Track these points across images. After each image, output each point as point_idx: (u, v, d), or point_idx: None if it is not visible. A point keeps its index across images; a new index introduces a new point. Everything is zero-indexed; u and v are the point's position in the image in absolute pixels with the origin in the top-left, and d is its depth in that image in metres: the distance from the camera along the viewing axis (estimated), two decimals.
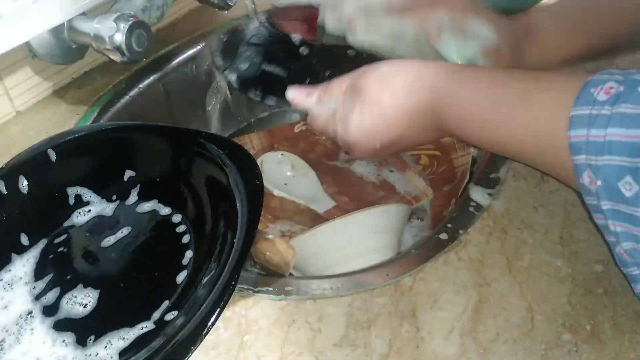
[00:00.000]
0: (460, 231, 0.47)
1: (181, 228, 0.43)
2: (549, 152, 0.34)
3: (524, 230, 0.46)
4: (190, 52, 0.74)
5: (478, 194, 0.50)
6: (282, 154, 0.71)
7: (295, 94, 0.47)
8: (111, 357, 0.35)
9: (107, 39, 0.59)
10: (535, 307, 0.41)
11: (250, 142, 0.76)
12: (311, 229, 0.52)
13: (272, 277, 0.46)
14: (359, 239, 0.53)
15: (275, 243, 0.41)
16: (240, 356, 0.39)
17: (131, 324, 0.37)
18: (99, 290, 0.39)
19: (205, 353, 0.39)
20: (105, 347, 0.35)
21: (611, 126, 0.29)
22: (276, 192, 0.63)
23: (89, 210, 0.45)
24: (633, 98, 0.29)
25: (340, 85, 0.44)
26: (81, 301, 0.38)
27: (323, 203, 0.67)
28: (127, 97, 0.67)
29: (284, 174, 0.68)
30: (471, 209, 0.49)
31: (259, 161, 0.63)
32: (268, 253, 0.42)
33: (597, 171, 0.30)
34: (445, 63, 0.41)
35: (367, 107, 0.41)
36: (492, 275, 0.43)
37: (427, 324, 0.40)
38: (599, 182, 0.30)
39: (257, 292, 0.43)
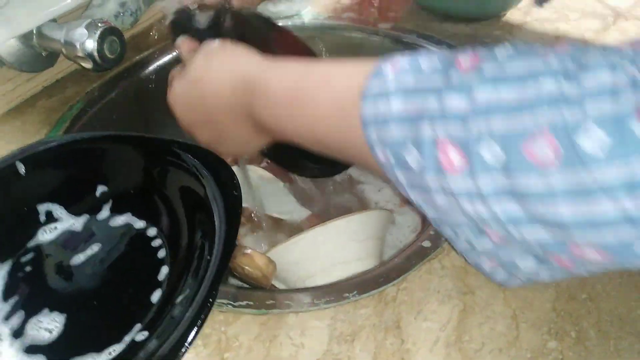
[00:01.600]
0: (443, 238, 0.46)
1: (157, 242, 0.42)
2: (347, 132, 0.33)
3: None
4: (166, 58, 0.72)
5: None
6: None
7: (183, 43, 0.46)
8: None
9: (78, 46, 0.57)
10: (520, 315, 0.40)
11: None
12: (291, 238, 0.51)
13: (252, 290, 0.45)
14: (340, 246, 0.52)
15: (253, 258, 0.40)
16: None
17: (99, 349, 0.35)
18: (65, 315, 0.37)
19: None
20: None
21: (394, 97, 0.29)
22: (248, 206, 0.61)
23: (55, 228, 0.43)
24: (413, 69, 0.29)
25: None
26: (47, 326, 0.36)
27: (297, 213, 0.66)
28: (100, 105, 0.65)
29: (251, 187, 0.67)
30: None
31: None
32: (247, 267, 0.41)
33: (386, 144, 0.30)
34: (259, 55, 0.41)
35: (186, 76, 0.42)
36: (476, 283, 0.43)
37: (411, 335, 0.39)
38: (390, 156, 0.30)
39: (237, 307, 0.42)
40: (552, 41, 0.74)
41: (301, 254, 0.52)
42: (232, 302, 0.42)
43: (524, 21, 0.80)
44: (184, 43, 0.46)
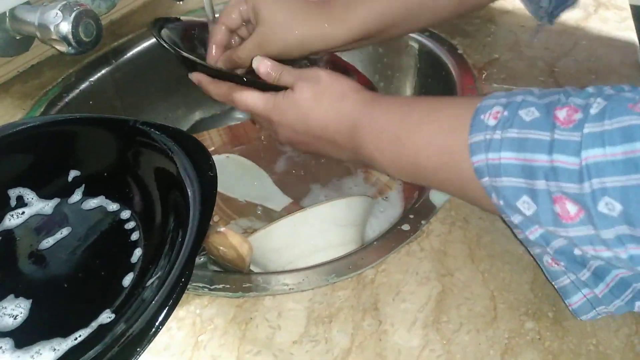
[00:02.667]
0: (423, 222, 0.46)
1: (130, 225, 0.41)
2: (451, 170, 0.37)
3: (486, 220, 0.46)
4: (145, 44, 0.71)
5: None
6: (227, 156, 0.69)
7: (263, 63, 0.46)
8: None
9: (52, 29, 0.56)
10: (498, 296, 0.40)
11: (210, 139, 0.74)
12: (271, 224, 0.50)
13: (228, 273, 0.45)
14: (321, 232, 0.52)
15: (227, 236, 0.39)
16: (195, 357, 0.37)
17: (66, 334, 0.34)
18: (31, 300, 0.36)
19: (157, 354, 0.37)
20: (33, 357, 0.33)
21: (504, 150, 0.32)
22: (227, 193, 0.61)
23: (23, 212, 0.42)
24: (517, 122, 0.32)
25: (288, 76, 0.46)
26: (11, 312, 0.35)
27: (279, 201, 0.65)
28: (77, 90, 0.64)
29: (232, 175, 0.66)
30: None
31: None
32: (222, 248, 0.40)
33: (498, 192, 0.33)
34: (362, 89, 0.44)
35: (298, 114, 0.44)
36: (454, 265, 0.43)
37: (389, 316, 0.39)
38: (500, 202, 0.33)
39: (213, 289, 0.41)
40: (534, 30, 0.74)
41: (281, 240, 0.51)
42: (208, 286, 0.41)
43: (506, 9, 0.80)
44: (267, 65, 0.46)
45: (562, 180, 0.29)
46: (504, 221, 0.36)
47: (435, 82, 0.71)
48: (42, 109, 0.60)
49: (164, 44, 0.48)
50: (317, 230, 0.52)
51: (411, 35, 0.74)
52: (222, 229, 0.40)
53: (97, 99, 0.66)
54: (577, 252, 0.32)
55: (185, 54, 0.48)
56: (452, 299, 0.40)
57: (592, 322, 0.39)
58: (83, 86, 0.65)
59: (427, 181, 0.41)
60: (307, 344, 0.37)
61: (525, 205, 0.31)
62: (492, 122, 0.33)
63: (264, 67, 0.46)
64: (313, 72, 0.45)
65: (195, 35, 0.56)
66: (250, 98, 0.46)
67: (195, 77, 0.48)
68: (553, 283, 0.35)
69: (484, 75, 0.65)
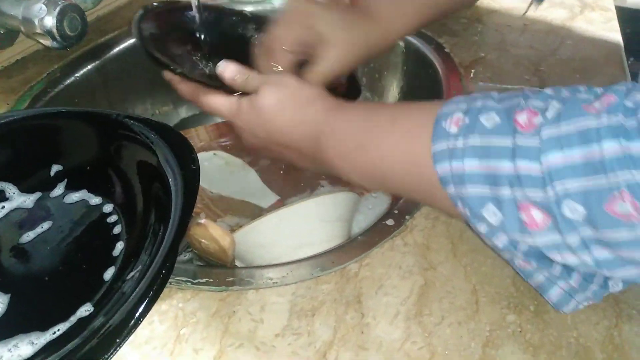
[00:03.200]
0: (407, 216, 0.46)
1: (112, 218, 0.41)
2: (416, 179, 0.36)
3: None
4: (132, 41, 0.70)
5: None
6: (214, 153, 0.69)
7: (228, 69, 0.46)
8: None
9: (36, 23, 0.55)
10: (480, 290, 0.41)
11: (197, 136, 0.74)
12: (256, 219, 0.50)
13: (212, 268, 0.44)
14: (307, 228, 0.52)
15: (207, 228, 0.39)
16: (177, 350, 0.37)
17: (44, 328, 0.34)
18: (9, 295, 0.36)
19: (138, 348, 0.37)
20: (10, 350, 0.32)
21: (467, 158, 0.31)
22: (214, 191, 0.60)
23: (3, 207, 0.41)
24: (478, 129, 0.31)
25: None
26: None
27: (266, 198, 0.65)
28: (62, 86, 0.64)
29: (220, 173, 0.66)
30: None
31: None
32: (203, 240, 0.40)
33: (464, 201, 0.32)
34: (327, 96, 0.44)
35: (262, 122, 0.43)
36: (437, 259, 0.43)
37: (372, 309, 0.39)
38: (466, 211, 0.32)
39: (197, 284, 0.41)
40: (520, 29, 0.75)
41: (267, 236, 0.51)
42: (191, 280, 0.41)
43: (493, 9, 0.80)
44: (233, 70, 0.45)
45: (526, 186, 0.29)
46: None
47: (422, 80, 0.71)
48: (26, 104, 0.60)
49: (139, 40, 0.48)
50: (303, 226, 0.52)
51: None
52: (203, 221, 0.39)
53: (82, 94, 0.65)
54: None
55: (156, 55, 0.47)
56: (435, 293, 0.40)
57: (573, 315, 0.39)
58: (68, 81, 0.64)
59: (394, 189, 0.41)
60: (289, 337, 0.37)
61: (491, 214, 0.31)
62: (453, 129, 0.32)
63: (229, 72, 0.45)
64: (279, 77, 0.44)
65: (179, 19, 0.55)
66: (214, 101, 0.45)
67: (167, 75, 0.48)
68: (529, 281, 0.35)
69: (471, 74, 0.66)
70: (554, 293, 0.34)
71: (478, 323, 0.38)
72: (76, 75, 0.65)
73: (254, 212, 0.65)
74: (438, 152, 0.33)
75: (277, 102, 0.42)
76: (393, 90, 0.78)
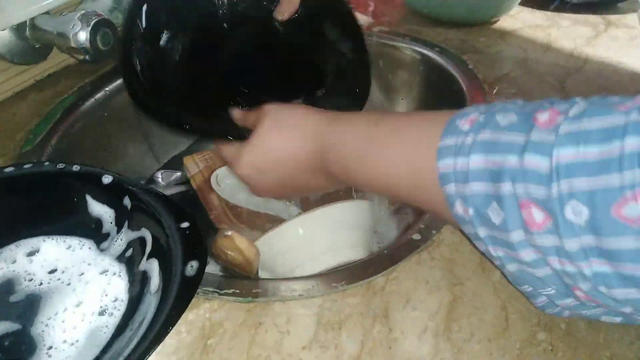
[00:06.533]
0: (433, 231, 0.46)
1: None
2: (420, 185, 0.34)
3: None
4: None
5: None
6: None
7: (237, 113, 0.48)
8: None
9: (71, 37, 0.57)
10: (510, 306, 0.40)
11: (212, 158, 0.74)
12: (278, 226, 0.50)
13: (238, 279, 0.44)
14: (329, 233, 0.52)
15: (234, 240, 0.39)
16: None
17: None
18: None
19: (166, 357, 0.37)
20: None
21: (473, 153, 0.29)
22: (236, 204, 0.61)
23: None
24: (491, 125, 0.29)
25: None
26: None
27: (286, 209, 0.65)
28: (92, 99, 0.65)
29: (239, 184, 0.66)
30: None
31: (213, 176, 0.62)
32: (229, 252, 0.40)
33: (467, 200, 0.30)
34: (326, 110, 0.43)
35: (258, 146, 0.43)
36: (465, 274, 0.42)
37: (399, 324, 0.39)
38: (470, 211, 0.30)
39: (223, 294, 0.41)
40: (544, 47, 0.75)
41: (288, 242, 0.51)
42: (218, 290, 0.41)
43: (515, 27, 0.81)
44: (237, 112, 0.48)
45: (530, 182, 0.27)
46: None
47: (445, 96, 0.71)
48: (57, 116, 0.61)
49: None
50: (324, 233, 0.52)
51: (421, 50, 0.75)
52: (230, 233, 0.40)
53: (112, 109, 0.67)
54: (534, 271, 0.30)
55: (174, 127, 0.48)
56: (463, 308, 0.40)
57: (606, 334, 0.38)
58: (98, 95, 0.66)
59: (402, 199, 0.38)
60: (316, 350, 0.37)
61: (495, 212, 0.29)
62: (466, 127, 0.31)
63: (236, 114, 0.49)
64: (266, 107, 0.45)
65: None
66: (223, 149, 0.47)
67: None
68: (516, 287, 0.34)
69: (494, 90, 0.66)
70: (539, 301, 0.33)
71: (508, 340, 0.38)
72: (106, 89, 0.67)
73: (274, 224, 0.65)
74: (444, 147, 0.31)
75: (273, 126, 0.43)
76: (415, 106, 0.78)
